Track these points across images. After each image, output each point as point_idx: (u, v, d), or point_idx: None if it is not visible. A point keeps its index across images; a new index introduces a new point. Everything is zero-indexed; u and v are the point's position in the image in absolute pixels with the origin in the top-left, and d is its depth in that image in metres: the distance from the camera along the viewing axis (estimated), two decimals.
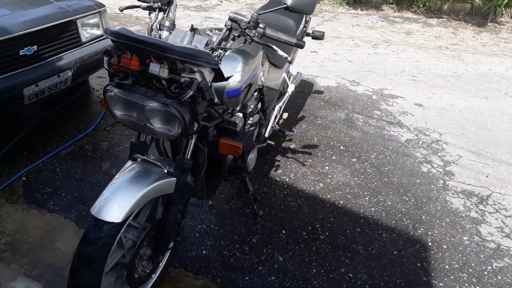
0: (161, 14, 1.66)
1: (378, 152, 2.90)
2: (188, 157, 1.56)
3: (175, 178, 1.53)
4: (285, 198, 2.43)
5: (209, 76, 1.38)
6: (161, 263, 1.82)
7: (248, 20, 1.52)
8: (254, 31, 1.55)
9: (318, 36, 2.90)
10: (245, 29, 1.53)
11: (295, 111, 3.43)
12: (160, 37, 1.59)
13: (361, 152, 2.89)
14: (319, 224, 2.24)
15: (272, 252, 2.06)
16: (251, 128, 1.97)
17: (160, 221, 1.61)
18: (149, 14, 1.67)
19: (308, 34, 2.92)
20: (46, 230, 2.16)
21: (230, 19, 1.54)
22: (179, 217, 1.74)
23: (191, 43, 1.56)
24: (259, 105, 2.25)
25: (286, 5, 1.58)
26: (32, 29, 2.63)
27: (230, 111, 1.74)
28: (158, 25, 1.60)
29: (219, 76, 1.47)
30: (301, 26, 2.64)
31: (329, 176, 2.63)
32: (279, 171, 2.67)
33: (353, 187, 2.53)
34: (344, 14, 6.57)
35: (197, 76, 1.34)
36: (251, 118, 1.96)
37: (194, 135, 1.56)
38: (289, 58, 1.59)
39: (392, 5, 6.77)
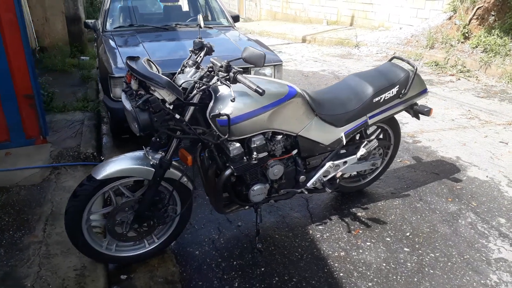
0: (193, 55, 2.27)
1: (445, 254, 2.38)
2: (168, 157, 2.10)
3: (154, 170, 2.10)
4: (296, 247, 2.47)
5: (167, 96, 1.91)
6: (156, 239, 2.38)
7: (220, 64, 1.95)
8: (226, 74, 1.95)
9: (422, 112, 2.74)
10: (218, 71, 1.96)
11: (407, 187, 3.15)
12: (183, 71, 2.21)
13: (424, 246, 2.45)
14: (296, 279, 2.20)
15: (236, 277, 2.24)
16: (254, 162, 2.25)
17: (141, 199, 2.19)
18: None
19: (412, 107, 2.77)
20: None
21: (211, 61, 2.01)
22: (164, 206, 2.25)
23: (192, 76, 2.10)
24: (294, 152, 2.45)
25: (241, 58, 1.91)
26: None
27: (216, 135, 2.13)
28: (185, 62, 2.23)
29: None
30: (387, 94, 2.57)
31: (360, 251, 2.43)
32: (320, 226, 2.67)
33: (372, 270, 2.27)
34: None
35: (156, 93, 1.89)
36: (255, 153, 2.24)
37: (174, 142, 2.09)
38: (259, 90, 1.88)
39: None
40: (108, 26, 4.79)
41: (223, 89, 2.13)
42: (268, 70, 4.06)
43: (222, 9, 5.48)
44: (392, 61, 2.83)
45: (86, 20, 5.17)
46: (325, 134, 2.49)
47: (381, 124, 2.87)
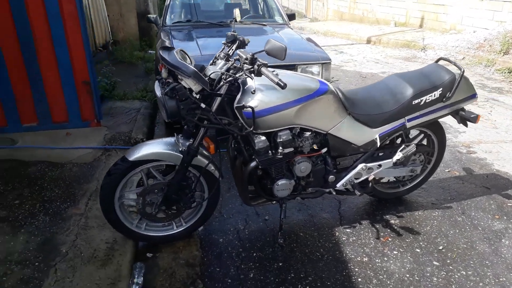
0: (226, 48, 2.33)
1: (478, 273, 2.20)
2: (195, 145, 2.18)
3: (181, 156, 2.20)
4: (319, 247, 2.44)
5: (193, 85, 1.98)
6: (184, 222, 2.47)
7: (246, 57, 1.98)
8: (251, 67, 1.98)
9: (468, 118, 2.57)
10: (243, 63, 1.99)
11: (451, 199, 2.96)
12: (215, 63, 2.27)
13: (456, 263, 2.29)
14: (312, 278, 2.17)
15: (252, 268, 2.27)
16: (279, 156, 2.26)
17: (170, 182, 2.30)
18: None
19: (457, 112, 2.60)
20: None
21: (237, 54, 2.05)
22: (190, 191, 2.34)
23: (221, 68, 2.16)
24: (324, 150, 2.42)
25: (264, 50, 1.92)
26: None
27: (241, 127, 2.17)
28: (217, 54, 2.29)
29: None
30: (428, 97, 2.43)
31: (385, 258, 2.33)
32: (348, 230, 2.60)
33: (393, 279, 2.17)
34: None
35: (183, 82, 1.98)
36: (281, 148, 2.25)
37: (202, 131, 2.16)
38: (281, 84, 1.90)
39: None
40: (167, 21, 5.03)
41: (251, 82, 2.16)
42: (315, 68, 4.01)
43: (278, 7, 5.52)
44: (439, 62, 2.67)
45: (149, 15, 5.47)
46: (358, 134, 2.42)
47: (424, 129, 2.73)
